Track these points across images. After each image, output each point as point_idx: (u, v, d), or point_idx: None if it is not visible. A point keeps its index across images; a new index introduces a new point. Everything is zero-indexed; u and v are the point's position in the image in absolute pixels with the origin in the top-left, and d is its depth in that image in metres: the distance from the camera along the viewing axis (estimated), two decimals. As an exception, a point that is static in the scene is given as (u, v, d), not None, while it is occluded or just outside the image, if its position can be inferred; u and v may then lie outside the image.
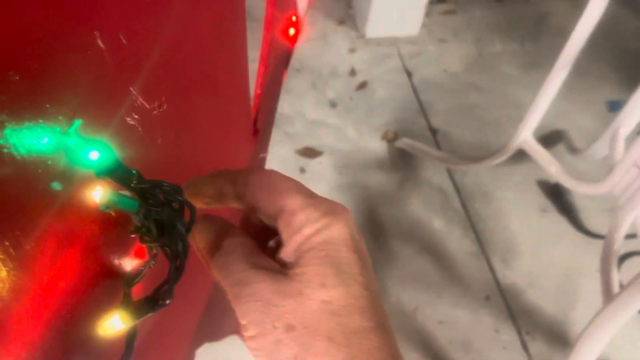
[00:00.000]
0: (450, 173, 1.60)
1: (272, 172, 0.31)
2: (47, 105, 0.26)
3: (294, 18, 0.74)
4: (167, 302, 0.29)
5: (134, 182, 0.28)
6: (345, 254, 0.28)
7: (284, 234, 0.29)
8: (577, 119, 1.74)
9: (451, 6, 2.11)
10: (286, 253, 0.28)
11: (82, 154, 0.28)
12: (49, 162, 0.26)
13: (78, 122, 0.29)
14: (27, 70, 0.24)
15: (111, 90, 0.32)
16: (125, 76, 0.33)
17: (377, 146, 1.65)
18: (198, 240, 0.31)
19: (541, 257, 1.46)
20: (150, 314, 0.29)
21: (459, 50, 1.96)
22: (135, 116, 0.36)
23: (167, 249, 0.30)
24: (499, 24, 2.07)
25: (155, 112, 0.38)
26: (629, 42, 2.03)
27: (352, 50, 1.91)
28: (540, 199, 1.57)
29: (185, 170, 0.48)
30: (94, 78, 0.29)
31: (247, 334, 0.27)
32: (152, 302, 0.29)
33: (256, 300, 0.27)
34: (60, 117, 0.27)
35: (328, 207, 0.29)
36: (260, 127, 0.67)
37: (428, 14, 1.98)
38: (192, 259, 0.37)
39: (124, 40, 0.32)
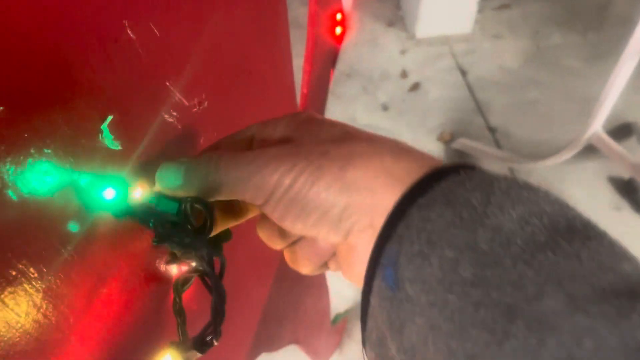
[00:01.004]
0: (513, 173, 1.53)
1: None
2: (77, 101, 0.24)
3: (339, 16, 0.72)
4: (215, 342, 0.29)
5: (159, 229, 0.27)
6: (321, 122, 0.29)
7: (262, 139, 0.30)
8: (649, 110, 1.63)
9: (505, 0, 2.03)
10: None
11: (95, 193, 0.26)
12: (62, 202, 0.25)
13: (109, 118, 0.27)
14: (47, 62, 0.22)
15: (145, 85, 0.30)
16: (160, 70, 0.31)
17: (433, 148, 1.60)
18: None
19: (617, 258, 1.37)
20: (199, 355, 0.29)
21: (516, 45, 1.88)
22: (174, 113, 0.34)
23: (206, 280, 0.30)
24: (558, 16, 1.97)
25: (195, 109, 0.37)
26: None
27: (403, 52, 1.87)
28: (613, 197, 1.47)
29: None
30: (125, 71, 0.28)
31: (281, 187, 0.25)
32: (199, 342, 0.29)
33: (283, 154, 0.26)
34: (90, 113, 0.26)
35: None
36: (309, 128, 0.65)
37: (480, 10, 1.92)
38: (244, 268, 0.35)
39: (156, 31, 0.30)
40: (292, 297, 0.82)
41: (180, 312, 0.30)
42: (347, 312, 1.26)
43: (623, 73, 1.12)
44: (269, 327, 0.72)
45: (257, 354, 0.70)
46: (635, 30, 1.06)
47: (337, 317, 1.24)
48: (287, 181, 0.25)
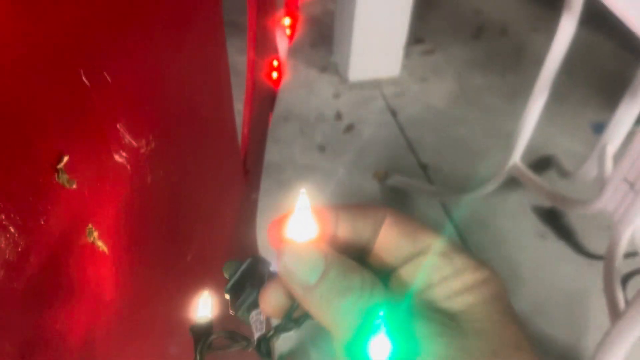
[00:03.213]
0: (444, 207, 1.60)
1: (396, 210, 0.28)
2: (35, 143, 0.26)
3: (275, 62, 0.76)
4: None
5: None
6: (517, 313, 0.24)
7: (425, 278, 0.25)
8: (565, 143, 1.77)
9: (429, 46, 2.16)
10: (437, 298, 0.24)
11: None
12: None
13: (65, 158, 0.29)
14: (9, 106, 0.24)
15: (97, 127, 0.32)
16: (112, 113, 0.34)
17: (369, 186, 1.66)
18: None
19: (544, 283, 1.45)
20: None
21: (441, 87, 2.01)
22: (124, 154, 0.36)
23: None
24: (478, 59, 2.12)
25: (143, 150, 0.39)
26: (607, 63, 2.08)
27: (337, 95, 1.95)
28: (538, 225, 1.57)
29: (175, 210, 0.48)
30: (79, 114, 0.30)
31: None
32: None
33: (441, 359, 0.22)
34: (48, 154, 0.28)
35: (478, 258, 0.25)
36: (250, 168, 0.67)
37: (407, 55, 2.04)
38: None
39: (108, 78, 0.32)
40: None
41: None
42: (290, 352, 1.27)
43: (536, 106, 1.22)
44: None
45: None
46: (543, 69, 1.17)
47: (281, 356, 1.24)
48: None
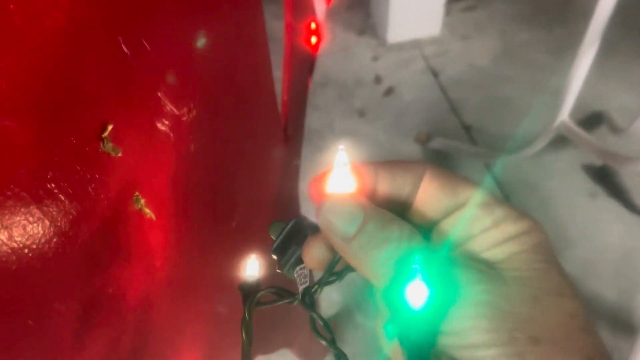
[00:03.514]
0: (489, 168, 1.57)
1: (436, 165, 0.27)
2: (81, 112, 0.27)
3: (313, 25, 0.75)
4: None
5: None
6: (560, 264, 0.24)
7: (466, 229, 0.25)
8: (616, 98, 1.69)
9: (471, 1, 2.09)
10: (478, 249, 0.24)
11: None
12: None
13: (109, 127, 0.29)
14: (50, 77, 0.24)
15: (138, 96, 0.32)
16: (152, 81, 0.34)
17: (410, 149, 1.64)
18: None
19: (595, 243, 1.41)
20: None
21: (484, 45, 1.94)
22: (166, 122, 0.36)
23: None
24: (523, 13, 2.03)
25: (185, 118, 0.39)
26: (661, 14, 1.96)
27: (375, 58, 1.91)
28: (588, 184, 1.52)
29: (219, 178, 0.48)
30: (120, 83, 0.30)
31: (469, 339, 0.21)
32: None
33: (480, 304, 0.21)
34: (92, 124, 0.28)
35: (519, 209, 0.25)
36: (290, 134, 0.67)
37: (448, 13, 1.97)
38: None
39: (147, 46, 0.32)
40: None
41: (248, 329, 0.30)
42: (336, 315, 1.28)
43: (584, 62, 1.17)
44: (263, 331, 0.74)
45: (254, 355, 0.72)
46: (592, 20, 1.11)
47: (327, 320, 1.26)
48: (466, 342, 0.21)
